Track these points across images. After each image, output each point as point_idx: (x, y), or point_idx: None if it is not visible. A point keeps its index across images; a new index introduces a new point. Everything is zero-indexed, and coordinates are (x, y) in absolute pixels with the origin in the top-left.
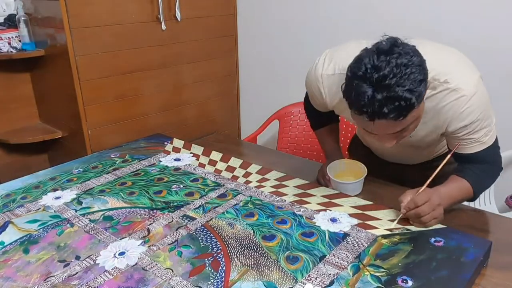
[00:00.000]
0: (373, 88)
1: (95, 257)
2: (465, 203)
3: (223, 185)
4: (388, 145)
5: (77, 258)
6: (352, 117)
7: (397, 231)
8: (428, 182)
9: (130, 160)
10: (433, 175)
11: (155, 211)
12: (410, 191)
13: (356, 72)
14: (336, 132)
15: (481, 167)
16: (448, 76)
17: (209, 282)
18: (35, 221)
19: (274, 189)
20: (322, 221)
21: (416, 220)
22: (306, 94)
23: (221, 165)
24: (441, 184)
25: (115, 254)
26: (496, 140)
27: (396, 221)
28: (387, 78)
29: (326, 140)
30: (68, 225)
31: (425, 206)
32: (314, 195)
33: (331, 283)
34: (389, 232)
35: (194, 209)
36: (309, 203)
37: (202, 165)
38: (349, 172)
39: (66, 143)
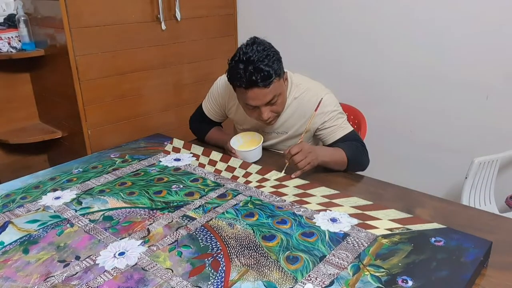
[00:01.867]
0: (244, 65)
1: (95, 257)
2: (466, 203)
3: (223, 185)
4: (267, 115)
5: (77, 258)
6: (238, 98)
7: (397, 231)
8: (302, 137)
9: (130, 160)
10: (304, 131)
11: (155, 211)
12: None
13: (233, 58)
14: (221, 129)
15: (349, 142)
16: (308, 86)
17: (209, 282)
18: (35, 221)
19: (274, 189)
20: (322, 221)
21: (295, 168)
22: (194, 114)
23: (221, 165)
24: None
25: (115, 254)
26: (355, 131)
27: (283, 171)
28: (252, 58)
29: (217, 135)
30: (68, 225)
31: (299, 154)
32: (314, 195)
33: (331, 283)
34: (389, 232)
35: (194, 209)
36: (309, 203)
37: (202, 165)
38: (248, 144)
39: (66, 143)
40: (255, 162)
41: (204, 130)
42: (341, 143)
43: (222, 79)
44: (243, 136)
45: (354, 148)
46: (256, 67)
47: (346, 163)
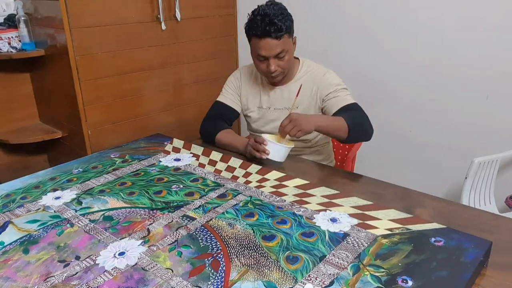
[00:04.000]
0: (261, 17)
1: (95, 257)
2: (466, 203)
3: (223, 185)
4: (274, 67)
5: (77, 258)
6: (251, 51)
7: (397, 231)
8: (290, 110)
9: (130, 160)
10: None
11: (155, 211)
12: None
13: (253, 12)
14: (234, 133)
15: (351, 111)
16: (317, 65)
17: (209, 282)
18: (35, 221)
19: (274, 189)
20: (322, 221)
21: (288, 136)
22: (206, 115)
23: (221, 165)
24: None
25: (115, 254)
26: (358, 104)
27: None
28: (268, 13)
29: (231, 135)
30: (68, 225)
31: (288, 125)
32: (314, 195)
33: (331, 283)
34: (389, 232)
35: (194, 209)
36: (309, 203)
37: (202, 165)
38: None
39: (66, 143)
40: (275, 169)
41: (217, 127)
42: (342, 112)
43: (239, 68)
44: (270, 137)
45: (356, 115)
46: (271, 20)
47: (347, 129)
